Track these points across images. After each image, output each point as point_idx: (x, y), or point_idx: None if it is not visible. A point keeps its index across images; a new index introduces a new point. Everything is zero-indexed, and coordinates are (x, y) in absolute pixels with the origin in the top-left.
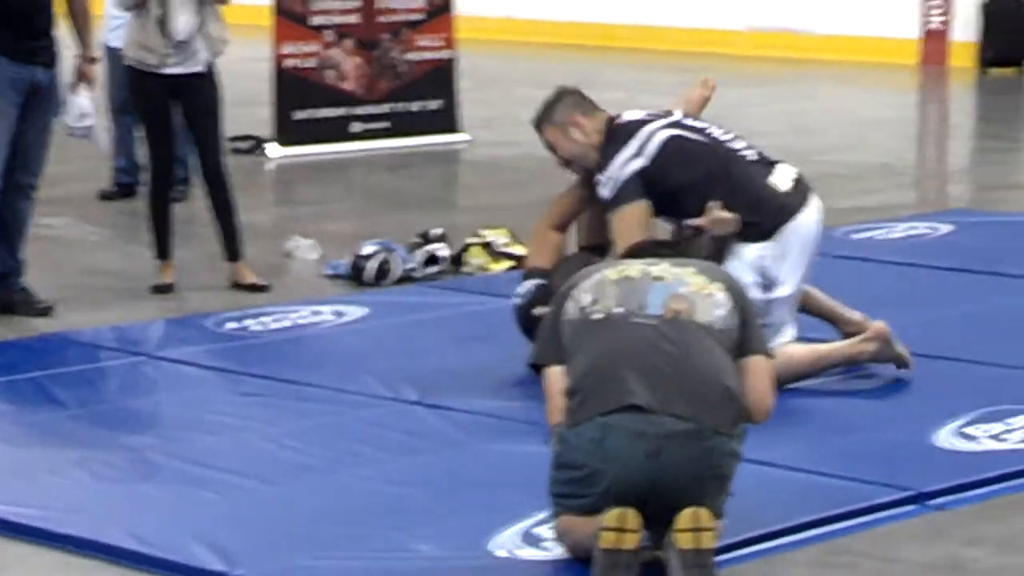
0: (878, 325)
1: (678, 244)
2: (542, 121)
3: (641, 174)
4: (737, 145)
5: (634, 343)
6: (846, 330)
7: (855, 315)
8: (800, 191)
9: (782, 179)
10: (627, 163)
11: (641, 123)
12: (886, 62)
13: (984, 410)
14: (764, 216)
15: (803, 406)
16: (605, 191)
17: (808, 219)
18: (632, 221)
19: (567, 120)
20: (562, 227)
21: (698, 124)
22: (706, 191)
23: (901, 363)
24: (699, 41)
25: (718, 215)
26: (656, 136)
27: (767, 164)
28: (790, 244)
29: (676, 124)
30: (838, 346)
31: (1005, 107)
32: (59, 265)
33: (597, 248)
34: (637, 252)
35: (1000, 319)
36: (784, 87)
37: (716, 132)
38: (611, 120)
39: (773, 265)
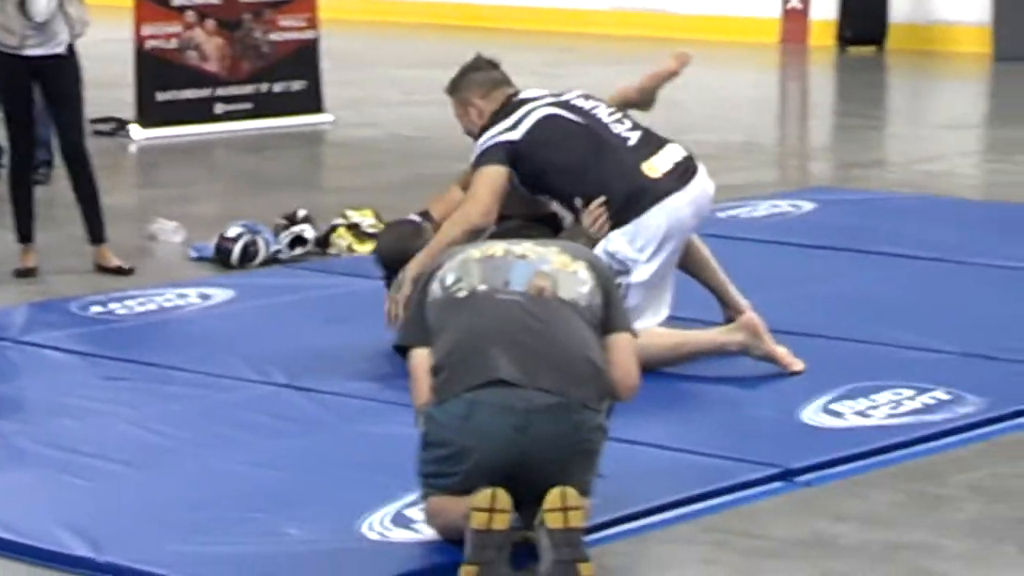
0: (748, 316)
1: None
2: (450, 92)
3: (509, 146)
4: (618, 129)
5: (499, 319)
6: (727, 314)
7: (741, 301)
8: (679, 173)
9: (663, 161)
10: (498, 135)
11: (525, 101)
12: (747, 41)
13: (849, 386)
14: (627, 203)
15: (671, 384)
16: (473, 157)
17: (679, 202)
18: (487, 181)
19: (467, 99)
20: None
21: (586, 105)
22: (572, 174)
23: (771, 360)
24: (565, 20)
25: (590, 219)
26: (533, 114)
27: (651, 146)
28: (651, 228)
29: (561, 104)
30: (703, 334)
31: (864, 85)
32: None
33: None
34: (503, 234)
35: (863, 296)
36: (647, 66)
37: (602, 114)
38: (509, 98)
39: (627, 250)
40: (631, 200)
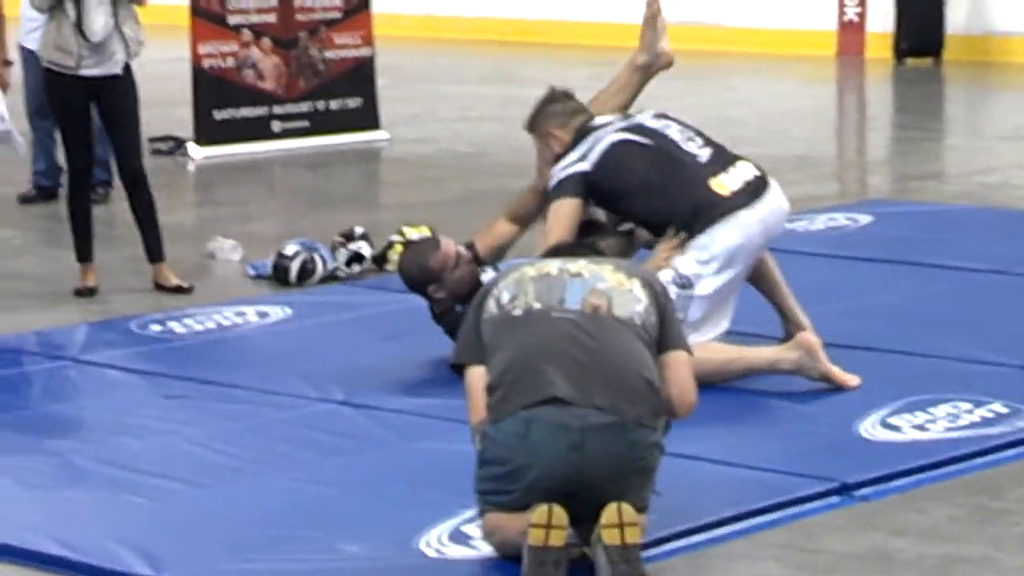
0: (805, 335)
1: (594, 243)
2: (530, 128)
3: (580, 176)
4: (689, 147)
5: (554, 337)
6: (787, 329)
7: (803, 319)
8: (750, 191)
9: (733, 179)
10: (569, 166)
11: (595, 128)
12: (803, 54)
13: (907, 400)
14: (694, 218)
15: (727, 399)
16: (549, 187)
17: (748, 219)
18: (562, 215)
19: (547, 132)
20: (517, 220)
21: (656, 125)
22: (643, 195)
23: (826, 380)
24: (615, 36)
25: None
26: (602, 141)
27: (722, 163)
28: (719, 243)
29: (630, 128)
30: (758, 350)
31: (921, 97)
32: None
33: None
34: (555, 251)
35: (920, 309)
36: (702, 80)
37: (673, 133)
38: (582, 125)
39: (692, 265)
40: (698, 215)
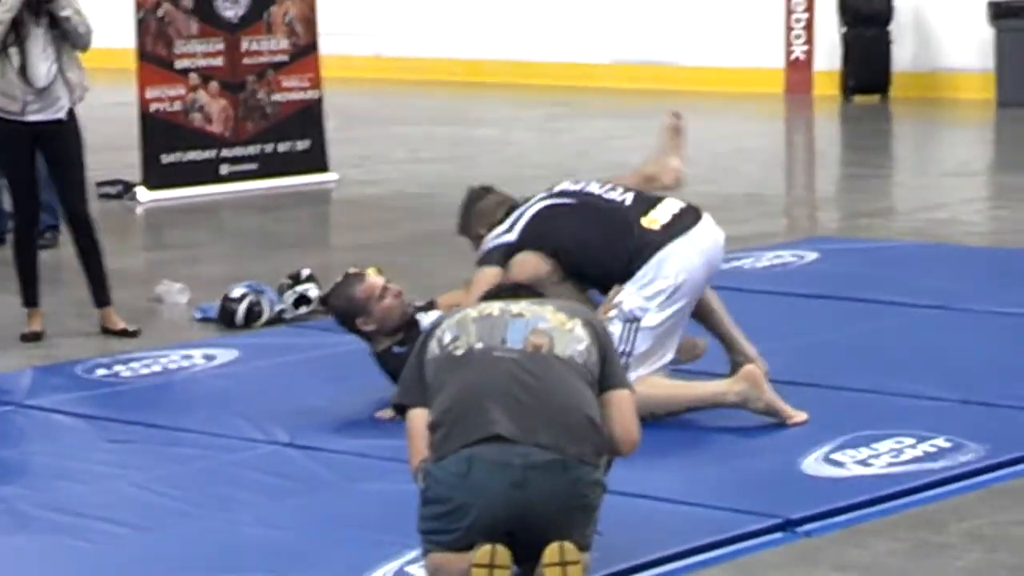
0: (749, 368)
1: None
2: (462, 232)
3: (505, 247)
4: (611, 195)
5: (496, 376)
6: (735, 359)
7: (749, 350)
8: (683, 221)
9: (662, 213)
10: (497, 237)
11: (518, 206)
12: (751, 92)
13: (851, 435)
14: (632, 258)
15: (670, 435)
16: (477, 258)
17: (685, 250)
18: (483, 283)
19: (478, 233)
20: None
21: (574, 187)
22: (578, 249)
23: (771, 414)
24: (566, 75)
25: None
26: (526, 213)
27: (648, 203)
28: (659, 277)
29: (552, 195)
30: (701, 384)
31: (869, 134)
32: None
33: None
34: (496, 294)
35: (865, 345)
36: (650, 119)
37: (592, 188)
38: (508, 209)
39: (637, 300)
40: (638, 253)
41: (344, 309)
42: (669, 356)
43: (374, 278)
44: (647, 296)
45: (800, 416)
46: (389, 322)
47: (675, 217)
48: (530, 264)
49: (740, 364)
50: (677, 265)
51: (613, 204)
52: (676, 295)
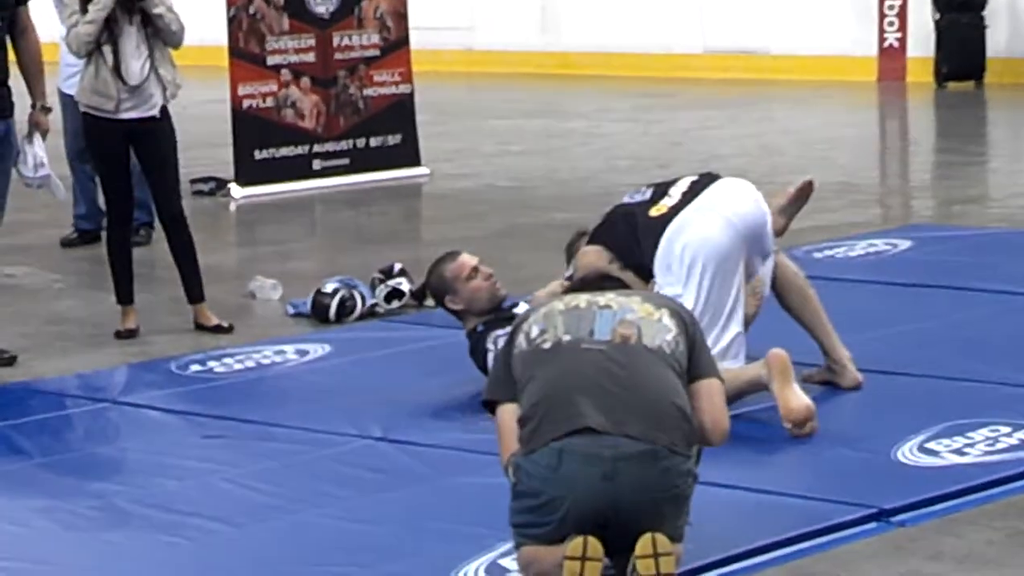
0: (775, 352)
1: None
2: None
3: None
4: (635, 197)
5: (584, 368)
6: (827, 364)
7: (840, 351)
8: (690, 195)
9: (672, 198)
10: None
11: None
12: (844, 80)
13: (945, 424)
14: (648, 251)
15: (761, 427)
16: None
17: (689, 218)
18: None
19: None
20: None
21: (611, 208)
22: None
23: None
24: (658, 66)
25: None
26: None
27: (663, 190)
28: (668, 255)
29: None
30: (735, 373)
31: (963, 121)
32: (22, 314)
33: None
34: (582, 286)
35: (959, 333)
36: (743, 108)
37: (628, 197)
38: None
39: (666, 288)
40: (648, 246)
41: (435, 286)
42: (734, 328)
43: (466, 257)
44: (669, 282)
45: (790, 423)
46: (477, 303)
47: (684, 194)
48: (592, 253)
49: (832, 371)
50: (687, 236)
51: (634, 207)
52: (699, 265)
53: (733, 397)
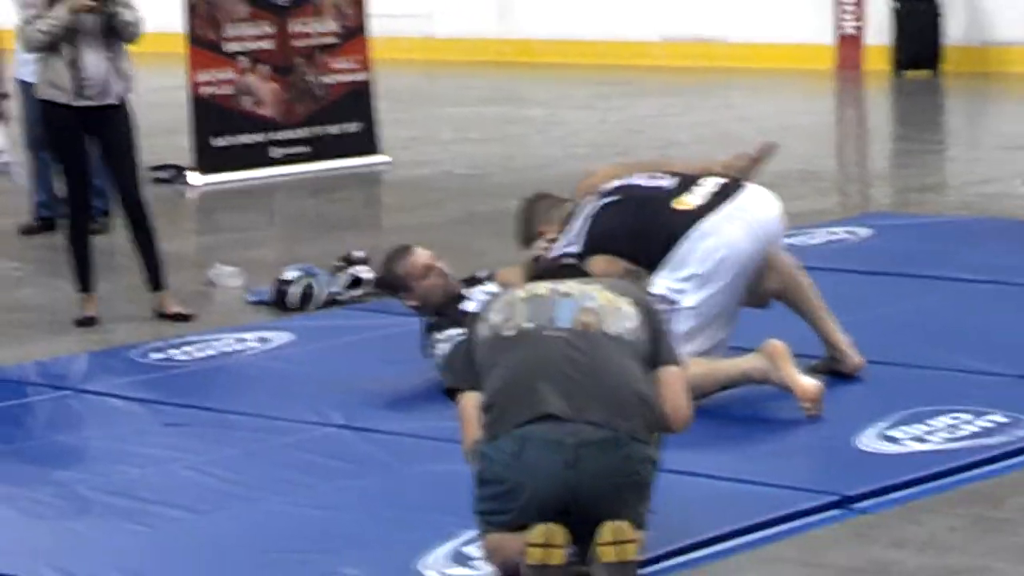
0: (771, 342)
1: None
2: (524, 244)
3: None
4: (654, 182)
5: (546, 355)
6: (829, 354)
7: (841, 342)
8: (717, 199)
9: (696, 196)
10: (563, 248)
11: (575, 213)
12: (802, 68)
13: (906, 412)
14: (666, 242)
15: (723, 413)
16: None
17: (717, 224)
18: None
19: (536, 235)
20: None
21: (621, 183)
22: (628, 241)
23: (788, 389)
24: (615, 53)
25: None
26: (585, 217)
27: (687, 184)
28: (692, 257)
29: (603, 194)
30: (729, 362)
31: (921, 109)
32: None
33: None
34: (543, 274)
35: (919, 321)
36: (701, 96)
37: (636, 179)
38: (568, 215)
39: (668, 283)
40: (671, 237)
41: (388, 283)
42: (722, 335)
43: (419, 254)
44: (681, 278)
45: (809, 402)
46: (431, 299)
47: (712, 196)
48: (599, 267)
49: (835, 359)
50: (713, 242)
51: (653, 192)
52: (715, 273)
53: (723, 387)
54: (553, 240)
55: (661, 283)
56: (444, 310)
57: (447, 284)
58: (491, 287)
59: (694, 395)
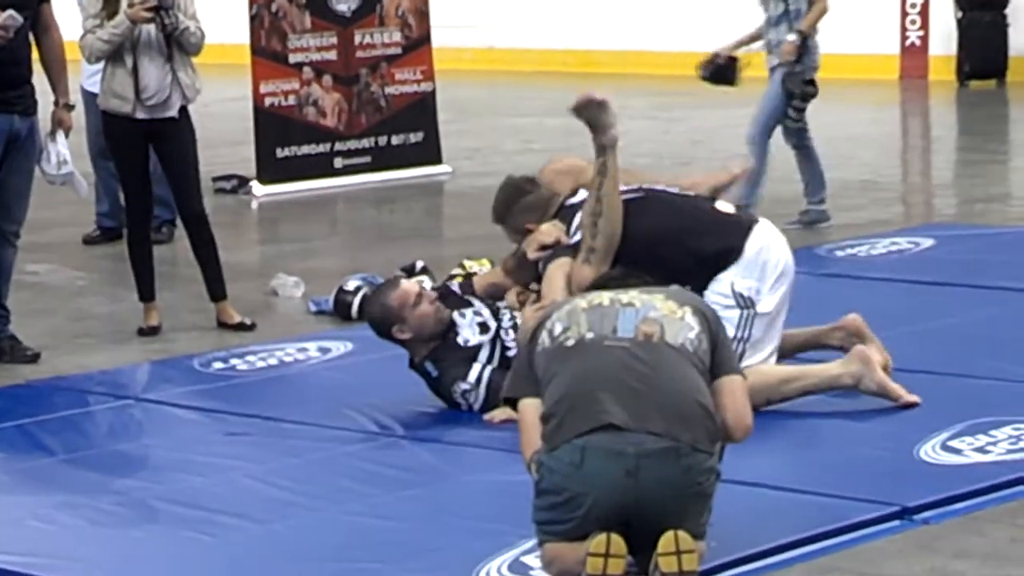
0: (861, 348)
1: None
2: (500, 222)
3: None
4: (673, 189)
5: (607, 365)
6: (831, 342)
7: (827, 327)
8: (745, 213)
9: (725, 205)
10: (571, 236)
11: (575, 204)
12: (866, 78)
13: (968, 423)
14: (728, 237)
15: (784, 423)
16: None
17: (766, 235)
18: (559, 275)
19: (521, 228)
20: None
21: (634, 185)
22: (652, 248)
23: (882, 394)
24: (678, 64)
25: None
26: (579, 217)
27: (710, 199)
28: (758, 260)
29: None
30: (815, 368)
31: (985, 119)
32: (45, 311)
33: None
34: (605, 283)
35: (982, 332)
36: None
37: (656, 187)
38: (560, 205)
39: (748, 282)
40: (730, 235)
41: (380, 317)
42: (774, 346)
43: (408, 284)
44: (756, 277)
45: (912, 397)
46: (426, 329)
47: (737, 208)
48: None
49: (839, 346)
50: (775, 246)
51: (680, 195)
52: (783, 276)
53: (798, 393)
54: (548, 244)
55: (742, 283)
56: (436, 341)
57: (439, 312)
58: (428, 281)
59: (778, 398)
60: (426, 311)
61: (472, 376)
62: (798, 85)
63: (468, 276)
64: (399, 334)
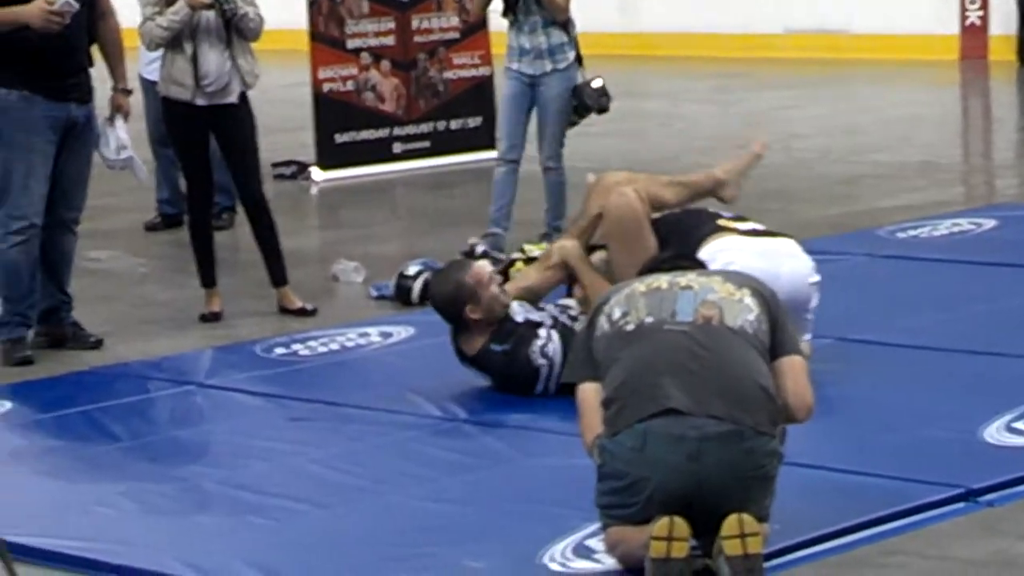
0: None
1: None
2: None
3: None
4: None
5: (668, 349)
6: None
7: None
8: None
9: (738, 223)
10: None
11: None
12: (925, 59)
13: None
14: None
15: (847, 405)
16: None
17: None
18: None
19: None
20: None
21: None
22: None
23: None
24: (738, 46)
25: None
26: None
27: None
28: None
29: None
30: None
31: None
32: (107, 298)
33: None
34: (658, 266)
35: None
36: (824, 88)
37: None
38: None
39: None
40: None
41: (452, 295)
42: None
43: (482, 263)
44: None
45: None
46: (495, 310)
47: (756, 231)
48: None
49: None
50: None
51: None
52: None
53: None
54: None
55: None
56: (495, 327)
57: (504, 294)
58: (489, 266)
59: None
60: (497, 293)
61: (543, 332)
62: (593, 97)
63: (529, 260)
64: (471, 313)
